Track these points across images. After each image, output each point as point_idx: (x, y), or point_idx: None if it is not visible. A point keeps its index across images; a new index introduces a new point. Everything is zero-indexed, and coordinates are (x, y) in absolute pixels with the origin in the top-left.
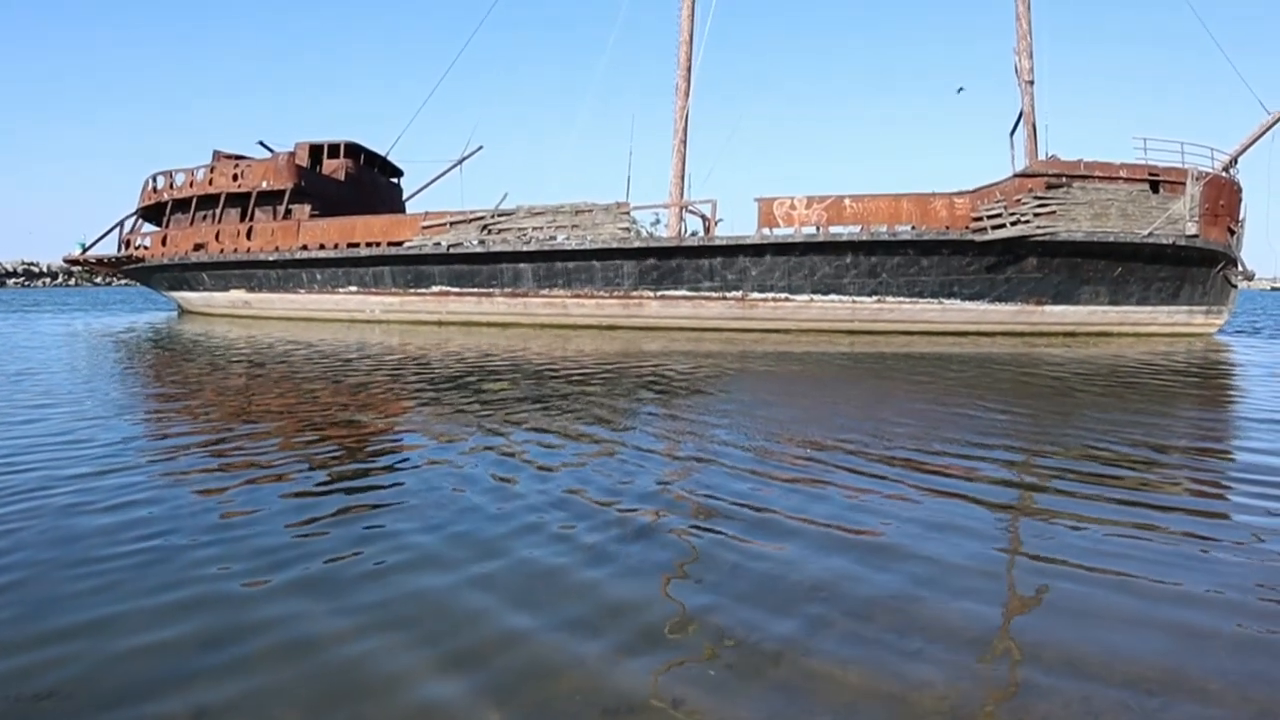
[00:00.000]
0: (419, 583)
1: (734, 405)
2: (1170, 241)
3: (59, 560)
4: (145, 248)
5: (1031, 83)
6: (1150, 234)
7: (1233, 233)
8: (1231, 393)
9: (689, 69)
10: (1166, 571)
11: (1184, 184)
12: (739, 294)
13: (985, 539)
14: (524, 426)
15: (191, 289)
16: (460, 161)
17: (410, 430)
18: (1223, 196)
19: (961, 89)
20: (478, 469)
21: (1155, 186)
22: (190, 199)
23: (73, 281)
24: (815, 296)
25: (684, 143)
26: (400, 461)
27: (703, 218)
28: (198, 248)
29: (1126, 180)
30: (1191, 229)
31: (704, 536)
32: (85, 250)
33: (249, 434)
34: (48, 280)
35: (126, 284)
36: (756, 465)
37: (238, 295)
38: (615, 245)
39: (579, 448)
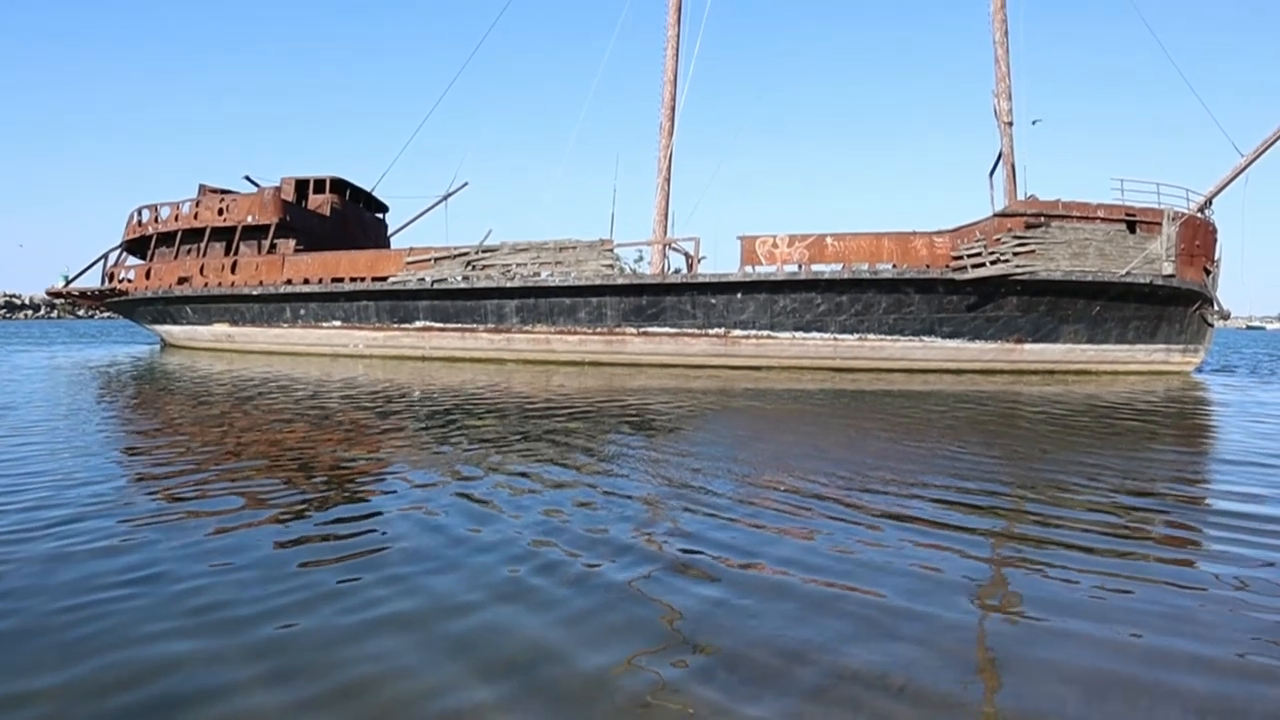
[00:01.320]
0: (380, 646)
1: (715, 445)
2: (1147, 281)
3: (37, 606)
4: (129, 281)
5: (1010, 124)
6: (1128, 273)
7: (1208, 272)
8: (1209, 433)
9: (673, 108)
10: (1147, 622)
11: (1160, 224)
12: (722, 331)
13: (963, 590)
14: (505, 467)
15: (175, 322)
16: (446, 197)
17: (392, 470)
18: (1198, 237)
19: (1037, 121)
20: (453, 517)
21: (1132, 226)
22: (175, 232)
23: (55, 314)
24: (797, 334)
25: (668, 181)
26: (378, 506)
27: (686, 255)
28: (182, 281)
29: (1104, 220)
30: (1168, 268)
31: (683, 592)
32: (69, 283)
33: (230, 474)
34: (29, 312)
35: (109, 317)
36: (736, 511)
37: (221, 329)
38: (599, 282)
39: (558, 490)
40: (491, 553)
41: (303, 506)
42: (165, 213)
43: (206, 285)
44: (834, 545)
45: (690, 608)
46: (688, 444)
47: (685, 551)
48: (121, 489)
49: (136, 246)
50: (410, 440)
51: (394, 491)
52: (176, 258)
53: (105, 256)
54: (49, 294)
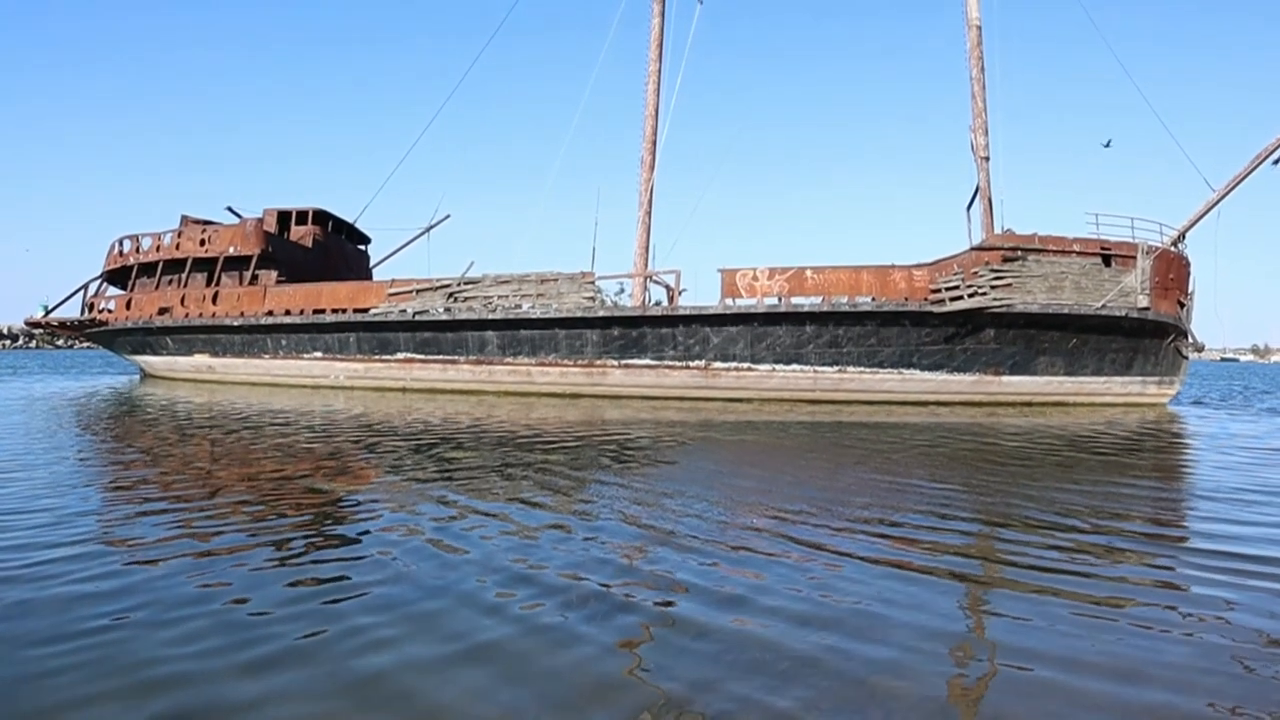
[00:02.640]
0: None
1: (695, 478)
2: (1123, 314)
3: (17, 642)
4: (109, 311)
5: (987, 159)
6: (1103, 306)
7: (1183, 305)
8: (1183, 465)
9: (654, 142)
10: (1121, 668)
11: (1135, 258)
12: (702, 363)
13: (942, 624)
14: (486, 498)
15: (155, 353)
16: (428, 229)
17: (372, 503)
18: (1172, 270)
19: (1109, 142)
20: (438, 550)
21: (1107, 260)
22: (156, 263)
23: (33, 344)
24: (777, 366)
25: (649, 214)
26: (356, 538)
27: (666, 288)
28: (162, 312)
29: (1080, 254)
30: (1143, 301)
31: (663, 631)
32: (48, 313)
33: (211, 508)
34: (7, 343)
35: (88, 347)
36: (716, 550)
37: (201, 360)
38: (580, 314)
39: (538, 524)
40: (473, 579)
41: (282, 544)
42: (147, 243)
43: (187, 316)
44: (812, 591)
45: (668, 640)
46: (667, 476)
47: (662, 605)
48: (107, 521)
49: (117, 277)
50: (391, 473)
51: (369, 530)
52: (158, 288)
53: (85, 287)
54: (28, 324)
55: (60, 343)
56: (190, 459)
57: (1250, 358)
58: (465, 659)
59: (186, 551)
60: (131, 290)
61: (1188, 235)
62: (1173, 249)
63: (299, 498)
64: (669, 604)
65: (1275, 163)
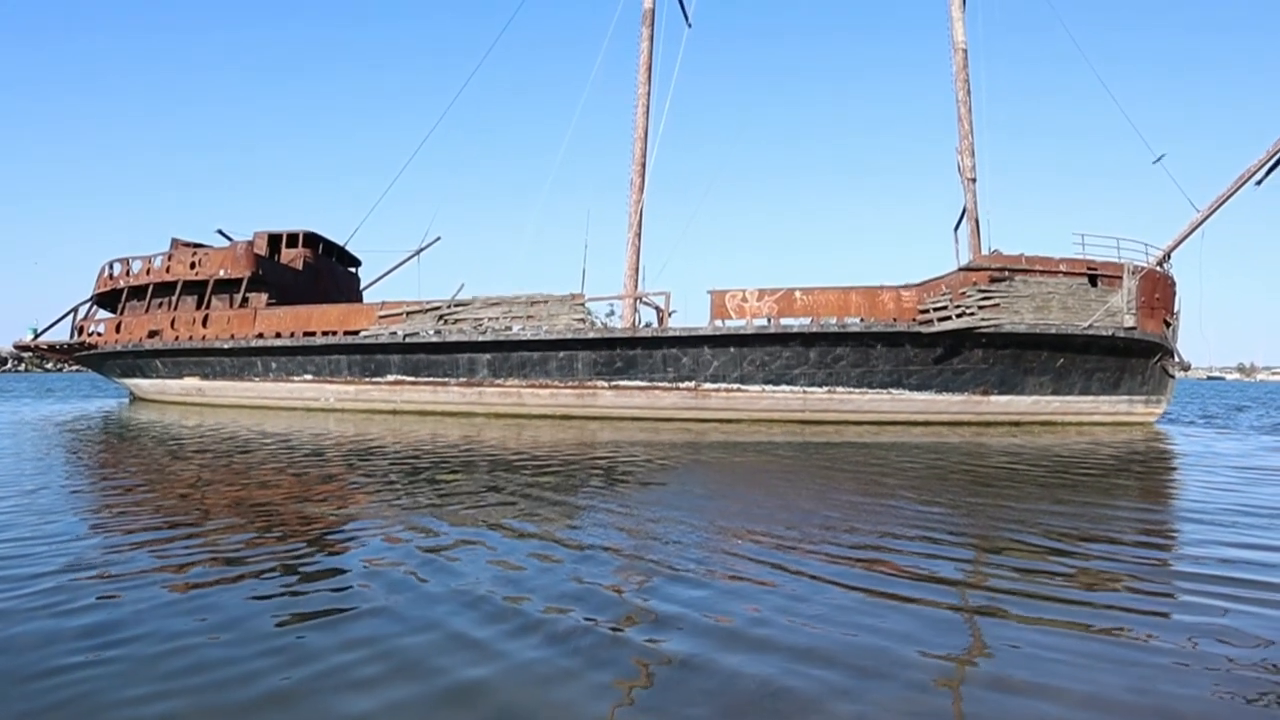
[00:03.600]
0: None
1: (684, 502)
2: (1109, 333)
3: (6, 675)
4: (99, 334)
5: (974, 180)
6: (1090, 326)
7: (1168, 325)
8: (1171, 486)
9: (643, 164)
10: (1111, 695)
11: (1121, 278)
12: (692, 384)
13: (937, 659)
14: (474, 525)
15: (144, 376)
16: (418, 252)
17: (361, 530)
18: (1158, 290)
19: (1161, 157)
20: (425, 580)
21: (1094, 280)
22: (147, 286)
23: (22, 367)
24: (767, 387)
25: (638, 236)
26: (343, 568)
27: (656, 309)
28: (152, 335)
29: (1066, 274)
30: (1129, 321)
31: (655, 667)
32: (37, 336)
33: (199, 535)
34: None
35: (77, 370)
36: (707, 578)
37: (191, 383)
38: (570, 336)
39: (526, 552)
40: (460, 613)
41: (274, 568)
42: (137, 266)
43: (177, 339)
44: (805, 624)
45: (656, 707)
46: (657, 500)
47: (652, 640)
48: (94, 549)
49: (107, 300)
50: (380, 498)
51: (356, 559)
52: (148, 311)
53: (75, 310)
54: (16, 347)
55: (49, 366)
56: (178, 484)
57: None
58: (448, 700)
59: (172, 583)
60: (121, 313)
61: (1173, 255)
62: (1158, 269)
63: (287, 524)
64: (659, 639)
65: (1258, 183)
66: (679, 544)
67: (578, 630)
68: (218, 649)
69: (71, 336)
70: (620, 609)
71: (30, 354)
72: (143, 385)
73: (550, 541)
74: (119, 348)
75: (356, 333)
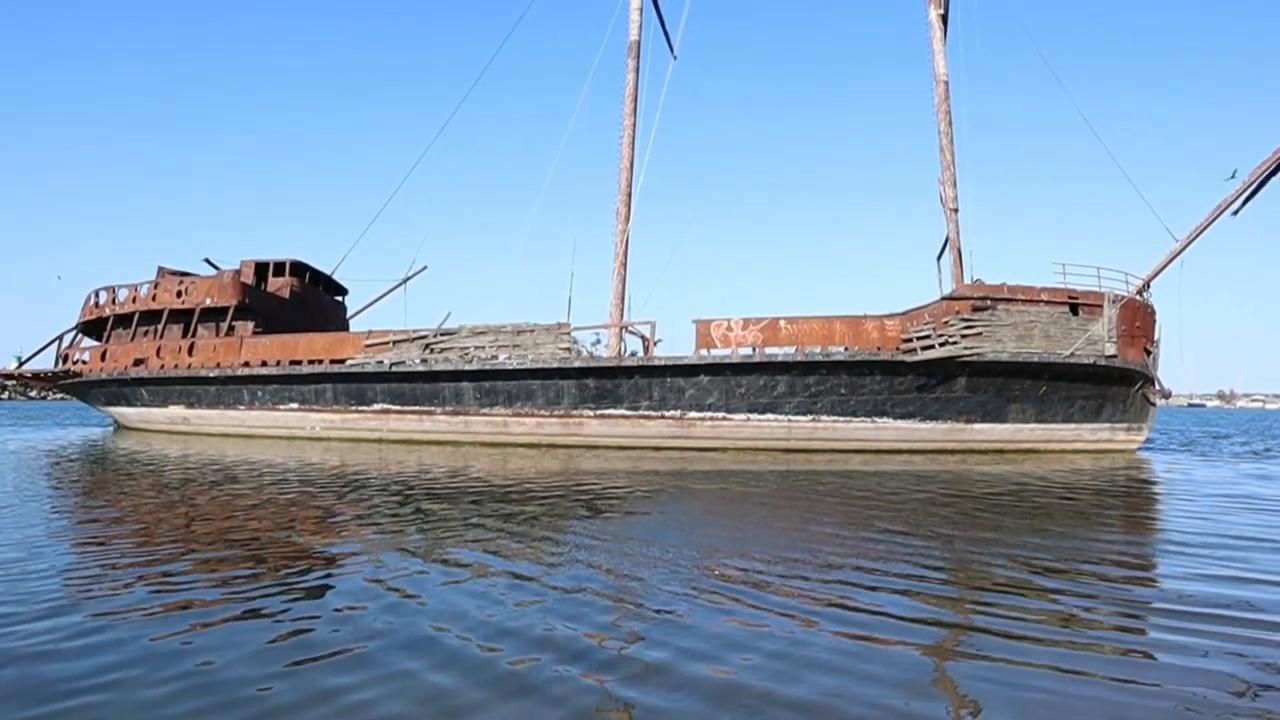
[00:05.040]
0: None
1: (668, 531)
2: (1091, 361)
3: None
4: (84, 362)
5: (956, 210)
6: (1072, 354)
7: (1149, 353)
8: (1151, 514)
9: (629, 194)
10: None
11: (1101, 306)
12: (677, 413)
13: (918, 701)
14: (461, 554)
15: (129, 404)
16: (405, 281)
17: (347, 560)
18: (1138, 318)
19: (1234, 173)
20: (406, 612)
21: (1075, 309)
22: (133, 314)
23: (5, 395)
24: (752, 416)
25: (624, 265)
26: (328, 598)
27: (642, 338)
28: (138, 363)
29: (1048, 303)
30: (1110, 349)
31: (641, 699)
32: (21, 364)
33: (186, 564)
34: None
35: (62, 398)
36: (691, 612)
37: (176, 411)
38: (556, 365)
39: (512, 582)
40: (436, 663)
41: (256, 604)
42: (123, 294)
43: (163, 367)
44: (788, 666)
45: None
46: (641, 530)
47: (636, 674)
48: (80, 583)
49: (93, 328)
50: (366, 527)
51: (341, 589)
52: (133, 339)
53: (60, 338)
54: (0, 375)
55: (33, 394)
56: (164, 513)
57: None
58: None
59: (158, 612)
60: (107, 341)
61: (1152, 284)
62: (1138, 297)
63: (274, 554)
64: (644, 674)
65: (1234, 213)
66: (663, 571)
67: (564, 661)
68: (203, 677)
69: (56, 364)
70: (598, 656)
71: (14, 382)
72: (127, 414)
73: (536, 572)
74: (104, 376)
75: (343, 361)
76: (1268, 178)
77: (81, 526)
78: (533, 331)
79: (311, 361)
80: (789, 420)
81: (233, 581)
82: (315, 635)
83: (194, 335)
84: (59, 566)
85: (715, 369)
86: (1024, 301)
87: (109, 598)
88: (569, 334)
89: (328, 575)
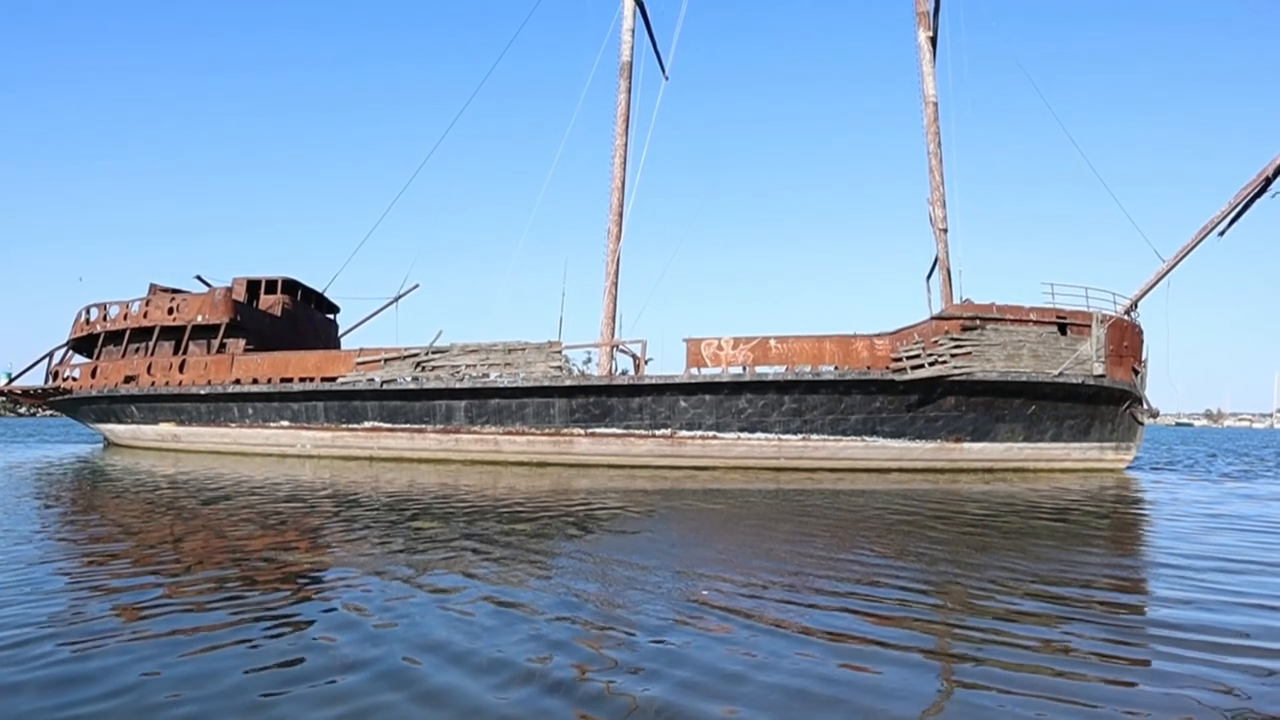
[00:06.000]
0: None
1: (658, 552)
2: (1079, 381)
3: None
4: (74, 379)
5: (945, 230)
6: (1060, 373)
7: (1137, 372)
8: (1139, 534)
9: (620, 213)
10: None
11: (1090, 326)
12: (668, 432)
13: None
14: (448, 575)
15: (119, 421)
16: (397, 299)
17: (335, 582)
18: (1126, 338)
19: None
20: (392, 645)
21: (1063, 329)
22: (124, 331)
23: None
24: (742, 434)
25: (615, 284)
26: (313, 620)
27: (633, 357)
28: (128, 380)
29: (1036, 323)
30: (1098, 369)
31: None
32: (11, 380)
33: (173, 586)
34: None
35: (51, 415)
36: (681, 637)
37: (167, 428)
38: (547, 383)
39: (500, 605)
40: (423, 686)
41: (241, 628)
42: (114, 311)
43: (154, 384)
44: (782, 697)
45: None
46: (631, 551)
47: (627, 705)
48: (72, 605)
49: (83, 345)
50: (356, 547)
51: (327, 611)
52: (124, 356)
53: (50, 355)
54: None
55: (23, 410)
56: (154, 533)
57: (1204, 422)
58: None
59: (135, 640)
60: (97, 358)
61: (1140, 303)
62: (1126, 317)
63: (262, 576)
64: (635, 703)
65: (1220, 234)
66: (652, 596)
67: (551, 691)
68: (181, 708)
69: (46, 381)
70: (591, 678)
71: (3, 399)
72: (117, 430)
73: (521, 605)
74: (94, 393)
75: (334, 379)
76: (1253, 199)
77: (70, 547)
78: (524, 350)
79: (303, 379)
80: (779, 439)
81: (218, 606)
82: (296, 669)
83: (185, 352)
84: (47, 588)
85: (706, 388)
86: (1013, 321)
87: (88, 622)
88: (560, 352)
89: (314, 599)
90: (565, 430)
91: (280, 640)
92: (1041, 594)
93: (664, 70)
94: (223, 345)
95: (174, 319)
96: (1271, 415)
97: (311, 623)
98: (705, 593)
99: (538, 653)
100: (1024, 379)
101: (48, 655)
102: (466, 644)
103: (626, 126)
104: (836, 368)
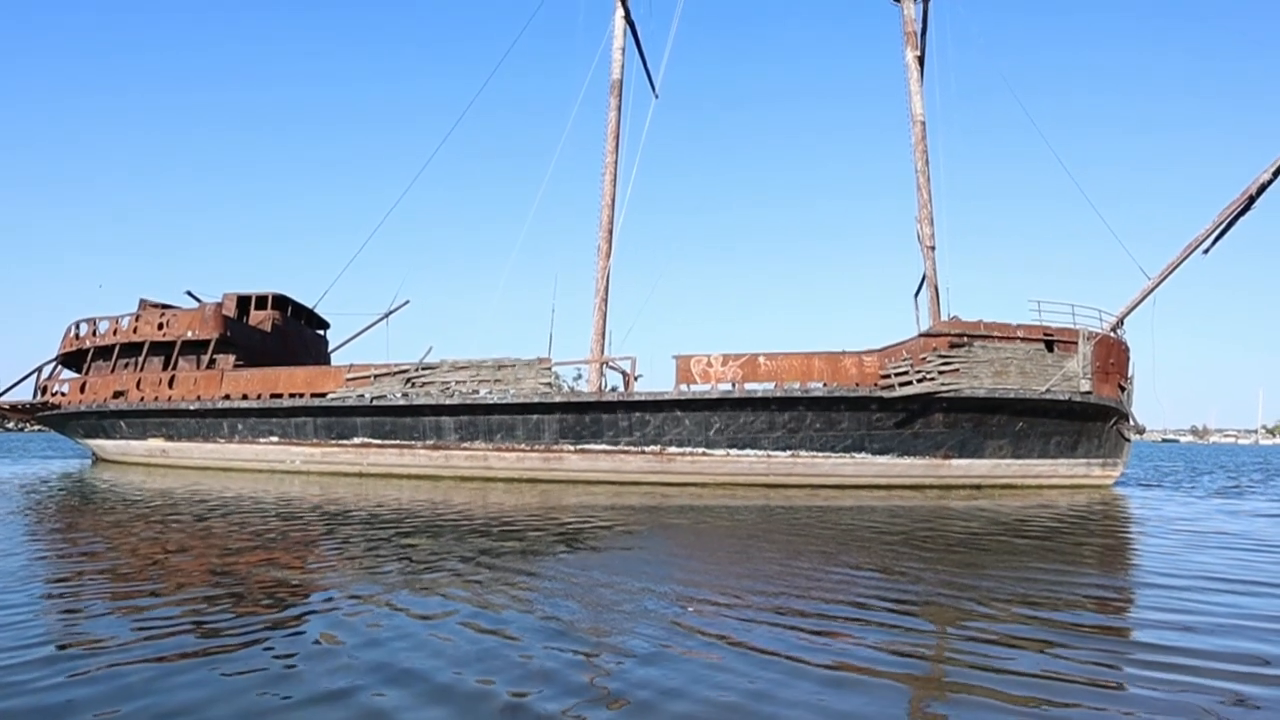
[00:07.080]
0: None
1: (647, 569)
2: (1066, 397)
3: None
4: (63, 394)
5: (933, 248)
6: (1048, 390)
7: (1123, 389)
8: (1125, 552)
9: (611, 230)
10: None
11: (1076, 343)
12: (657, 448)
13: None
14: (435, 593)
15: (108, 436)
16: (387, 315)
17: (324, 602)
18: (1112, 355)
19: None
20: (378, 668)
21: (1050, 346)
22: (113, 346)
23: None
24: (731, 451)
25: (605, 301)
26: (298, 638)
27: (623, 373)
28: (117, 395)
29: (1023, 340)
30: (1085, 385)
31: None
32: None
33: (160, 604)
34: None
35: (39, 430)
36: (669, 658)
37: (155, 444)
38: (537, 400)
39: (487, 627)
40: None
41: (230, 657)
42: (104, 326)
43: (143, 400)
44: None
45: None
46: (620, 570)
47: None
48: (49, 626)
49: (72, 360)
50: (344, 564)
51: (311, 631)
52: (113, 371)
53: (39, 370)
54: None
55: (10, 425)
56: (142, 548)
57: (1190, 439)
58: None
59: (140, 658)
60: (86, 373)
61: (1126, 320)
62: (1112, 334)
63: (250, 594)
64: None
65: (1205, 251)
66: (641, 618)
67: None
68: None
69: (35, 396)
70: (579, 697)
71: None
72: (106, 446)
73: (510, 625)
74: (83, 408)
75: (324, 395)
76: (1237, 217)
77: (57, 563)
78: (514, 366)
79: (292, 395)
80: (768, 455)
81: (204, 628)
82: (269, 700)
83: (175, 368)
84: (36, 607)
85: (695, 404)
86: (1000, 338)
87: (82, 641)
88: (550, 369)
89: (301, 618)
90: (555, 446)
91: (255, 675)
92: (1029, 619)
93: (654, 88)
94: (212, 361)
95: (164, 334)
96: (1257, 431)
97: (298, 643)
98: (693, 616)
99: (528, 675)
100: (1011, 396)
101: (34, 681)
102: (451, 675)
103: (617, 144)
104: (825, 385)
